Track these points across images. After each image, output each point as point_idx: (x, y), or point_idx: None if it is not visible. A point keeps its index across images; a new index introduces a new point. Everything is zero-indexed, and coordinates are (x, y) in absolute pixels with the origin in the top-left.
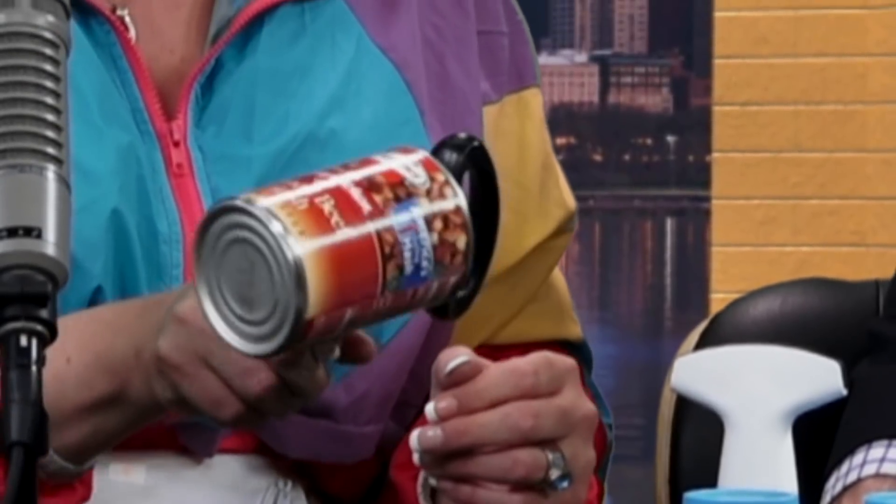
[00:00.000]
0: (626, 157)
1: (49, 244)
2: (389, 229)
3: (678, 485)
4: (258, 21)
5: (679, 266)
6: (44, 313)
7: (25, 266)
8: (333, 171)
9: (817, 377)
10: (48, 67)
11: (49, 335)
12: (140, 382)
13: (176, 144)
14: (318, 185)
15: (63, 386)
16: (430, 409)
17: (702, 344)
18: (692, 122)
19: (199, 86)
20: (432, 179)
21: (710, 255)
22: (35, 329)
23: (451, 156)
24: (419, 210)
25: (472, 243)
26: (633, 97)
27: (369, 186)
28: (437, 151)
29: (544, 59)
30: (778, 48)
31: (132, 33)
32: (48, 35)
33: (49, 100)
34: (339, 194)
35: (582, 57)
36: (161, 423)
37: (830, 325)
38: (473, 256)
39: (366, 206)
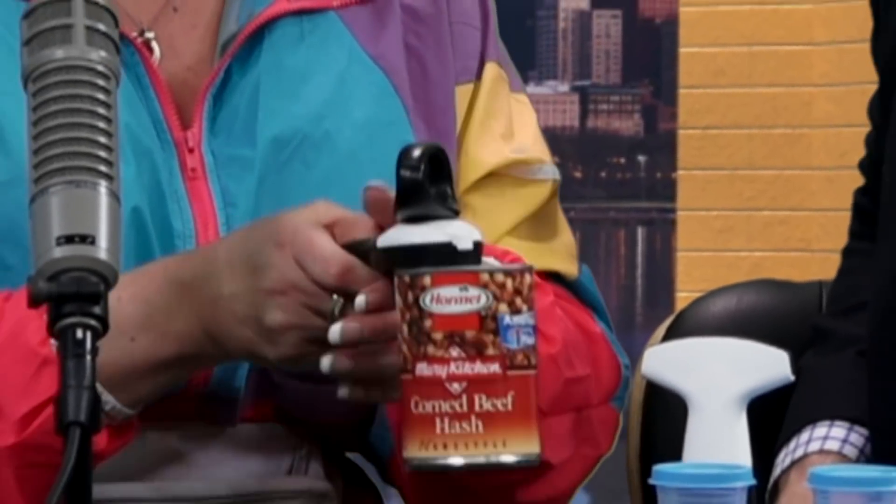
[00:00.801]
0: (603, 174)
1: (102, 250)
2: None
3: (648, 459)
4: (259, 34)
5: (648, 269)
6: (97, 310)
7: (81, 269)
8: None
9: (768, 365)
10: (101, 96)
11: (102, 329)
12: (203, 349)
13: (191, 151)
14: None
15: (132, 359)
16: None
17: (668, 336)
18: (660, 144)
19: (210, 97)
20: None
21: (676, 260)
22: (89, 324)
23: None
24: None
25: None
26: (609, 122)
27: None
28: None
29: (532, 88)
30: (734, 79)
31: (156, 54)
32: (101, 68)
33: (101, 124)
34: None
35: (564, 87)
36: (190, 397)
37: (780, 321)
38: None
39: None
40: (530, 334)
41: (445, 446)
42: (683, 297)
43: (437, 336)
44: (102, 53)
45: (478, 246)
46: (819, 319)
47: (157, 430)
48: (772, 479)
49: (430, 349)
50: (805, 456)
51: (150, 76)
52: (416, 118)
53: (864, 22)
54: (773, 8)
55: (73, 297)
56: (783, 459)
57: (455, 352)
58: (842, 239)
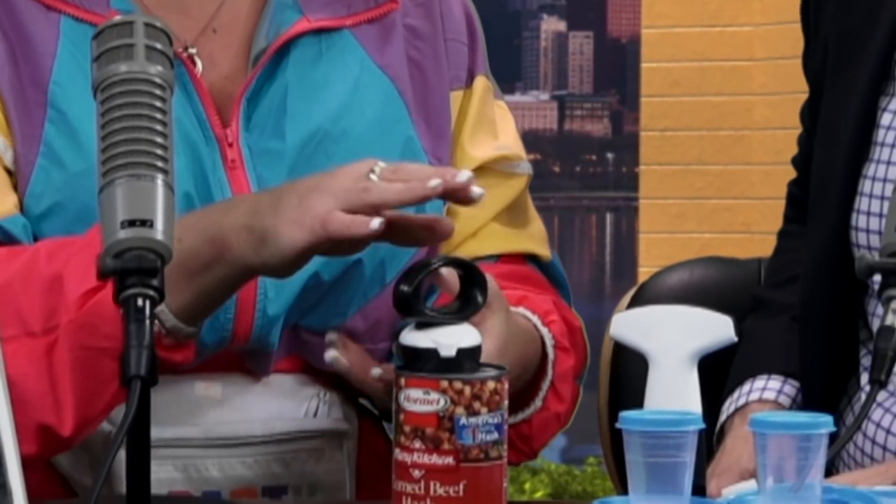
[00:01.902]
0: (577, 168)
1: (159, 232)
2: None
3: (615, 407)
4: (286, 49)
5: (615, 248)
6: (155, 282)
7: (141, 248)
8: None
9: (716, 329)
10: (158, 104)
11: (159, 298)
12: (240, 248)
13: (230, 145)
14: None
15: (176, 259)
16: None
17: (632, 304)
18: (625, 144)
19: (245, 100)
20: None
21: (638, 240)
22: (148, 294)
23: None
24: None
25: None
26: (582, 125)
27: None
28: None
29: (517, 97)
30: (687, 89)
31: (199, 67)
32: (158, 80)
33: (158, 127)
34: None
35: (545, 96)
36: (233, 353)
37: (725, 292)
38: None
39: None
40: (490, 432)
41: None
42: (645, 272)
43: (406, 429)
44: (159, 68)
45: (465, 352)
46: (758, 290)
47: (204, 381)
48: (718, 424)
49: (402, 438)
50: (746, 404)
51: (194, 84)
52: (418, 118)
53: (796, 41)
54: (719, 29)
55: (134, 272)
56: (728, 407)
57: (417, 444)
58: (777, 223)
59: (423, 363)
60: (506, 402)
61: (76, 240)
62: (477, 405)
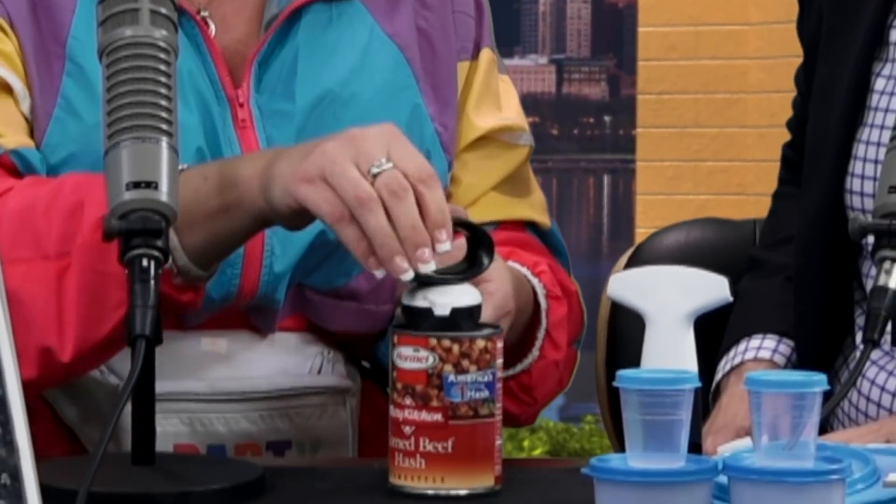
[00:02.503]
0: (575, 131)
1: (163, 193)
2: None
3: (613, 366)
4: (297, 15)
5: (613, 209)
6: (159, 243)
7: (146, 209)
8: None
9: (712, 289)
10: (162, 67)
11: (163, 259)
12: (256, 192)
13: (241, 105)
14: None
15: (198, 195)
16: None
17: (629, 265)
18: (622, 107)
19: (257, 63)
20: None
21: (635, 202)
22: (153, 254)
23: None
24: None
25: None
26: (580, 88)
27: None
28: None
29: (516, 61)
30: (683, 53)
31: (212, 28)
32: (163, 44)
33: (163, 90)
34: None
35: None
36: (238, 309)
37: (721, 252)
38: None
39: None
40: (480, 390)
41: (400, 476)
42: (641, 233)
43: (399, 386)
44: (164, 32)
45: (461, 311)
46: (753, 251)
47: (210, 336)
48: (714, 382)
49: (395, 396)
50: (742, 363)
51: (207, 45)
52: (426, 86)
53: (791, 6)
54: None
55: (139, 233)
56: (724, 366)
57: (408, 401)
58: (772, 185)
59: (419, 322)
60: (498, 361)
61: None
62: (466, 363)
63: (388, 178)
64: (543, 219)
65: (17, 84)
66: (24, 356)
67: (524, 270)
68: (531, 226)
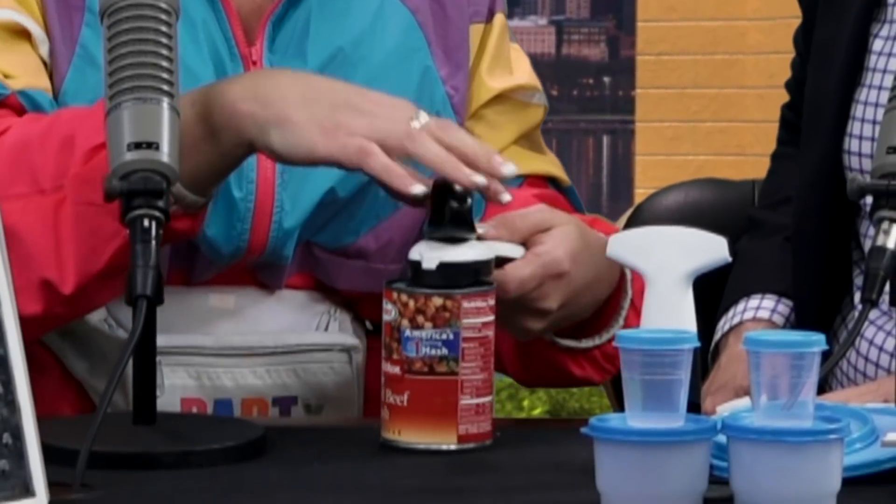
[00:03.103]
0: (575, 92)
1: (164, 154)
2: None
3: None
4: None
5: (612, 170)
6: (160, 203)
7: (147, 170)
8: None
9: (711, 249)
10: (164, 28)
11: (165, 219)
12: (243, 123)
13: (254, 63)
14: None
15: (185, 125)
16: None
17: (628, 225)
18: (622, 68)
19: (271, 23)
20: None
21: (635, 163)
22: (154, 215)
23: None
24: None
25: None
26: (580, 49)
27: None
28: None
29: (516, 22)
30: (683, 14)
31: None
32: (164, 5)
33: (164, 51)
34: None
35: (543, 21)
36: (246, 264)
37: (720, 212)
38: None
39: None
40: (437, 347)
41: (381, 425)
42: (641, 193)
43: (383, 338)
44: None
45: (451, 266)
46: (752, 211)
47: (218, 293)
48: (713, 342)
49: (382, 346)
50: (741, 323)
51: (223, 4)
52: (437, 49)
53: None
54: None
55: (140, 193)
56: (723, 326)
57: (384, 352)
58: (771, 145)
59: (411, 275)
60: (463, 321)
61: (96, 106)
62: (420, 319)
63: (430, 123)
64: (563, 175)
65: (36, 28)
66: (25, 291)
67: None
68: (552, 182)
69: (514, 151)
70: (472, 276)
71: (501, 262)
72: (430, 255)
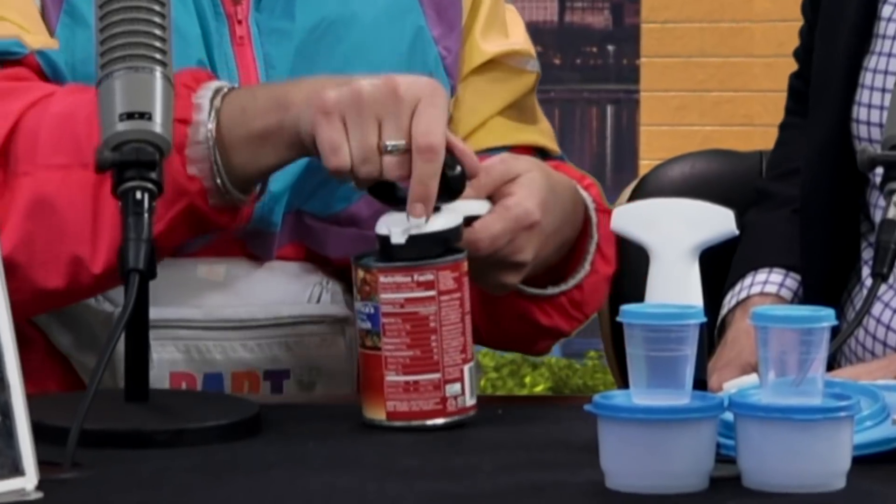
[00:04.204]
0: (578, 61)
1: (157, 124)
2: None
3: (616, 300)
4: None
5: (617, 141)
6: (153, 175)
7: (140, 141)
8: None
9: (717, 222)
10: None
11: (157, 191)
12: (296, 117)
13: (239, 22)
14: None
15: (245, 116)
16: None
17: (633, 197)
18: (626, 36)
19: None
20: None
21: (640, 133)
22: (147, 187)
23: None
24: None
25: None
26: (583, 17)
27: None
28: None
29: None
30: None
31: None
32: None
33: (157, 20)
34: None
35: None
36: (235, 235)
37: (727, 184)
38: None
39: None
40: (364, 320)
41: None
42: (646, 165)
43: None
44: None
45: (418, 238)
46: (760, 183)
47: (207, 264)
48: (720, 318)
49: None
50: (748, 297)
51: None
52: (430, 10)
53: None
54: None
55: (133, 164)
56: (730, 300)
57: None
58: (779, 115)
59: (379, 247)
60: (381, 296)
61: None
62: (355, 291)
63: (391, 165)
64: (553, 145)
65: None
66: (53, 265)
67: (573, 184)
68: (540, 153)
69: (498, 123)
70: (440, 246)
71: (470, 220)
72: (396, 229)
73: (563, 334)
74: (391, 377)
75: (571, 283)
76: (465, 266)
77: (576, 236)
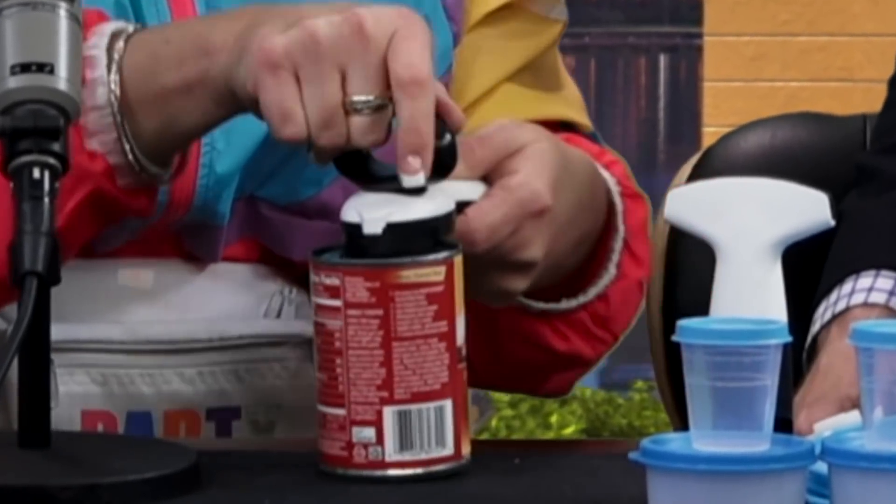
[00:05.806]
0: None
1: (61, 80)
2: None
3: (671, 314)
4: None
5: (672, 101)
6: (56, 147)
7: (38, 101)
8: None
9: (806, 209)
10: None
11: (62, 168)
12: (225, 66)
13: None
14: None
15: (157, 65)
16: None
17: (694, 176)
18: None
19: None
20: None
21: (702, 91)
22: (48, 162)
23: None
24: None
25: None
26: None
27: None
28: None
29: None
30: None
31: None
32: None
33: None
34: None
35: None
36: (168, 229)
37: (819, 158)
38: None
39: None
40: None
41: None
42: (711, 133)
43: None
44: None
45: (397, 227)
46: (863, 157)
47: (130, 267)
48: (810, 336)
49: None
50: (847, 309)
51: None
52: None
53: None
54: None
55: (29, 133)
56: (823, 313)
57: None
58: (888, 67)
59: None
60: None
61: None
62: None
63: (361, 128)
64: (583, 118)
65: None
66: None
67: (590, 161)
68: (566, 128)
69: (512, 91)
70: (426, 237)
71: (461, 206)
72: (373, 218)
73: (586, 363)
74: (321, 408)
75: (592, 292)
76: (458, 264)
77: (597, 230)
